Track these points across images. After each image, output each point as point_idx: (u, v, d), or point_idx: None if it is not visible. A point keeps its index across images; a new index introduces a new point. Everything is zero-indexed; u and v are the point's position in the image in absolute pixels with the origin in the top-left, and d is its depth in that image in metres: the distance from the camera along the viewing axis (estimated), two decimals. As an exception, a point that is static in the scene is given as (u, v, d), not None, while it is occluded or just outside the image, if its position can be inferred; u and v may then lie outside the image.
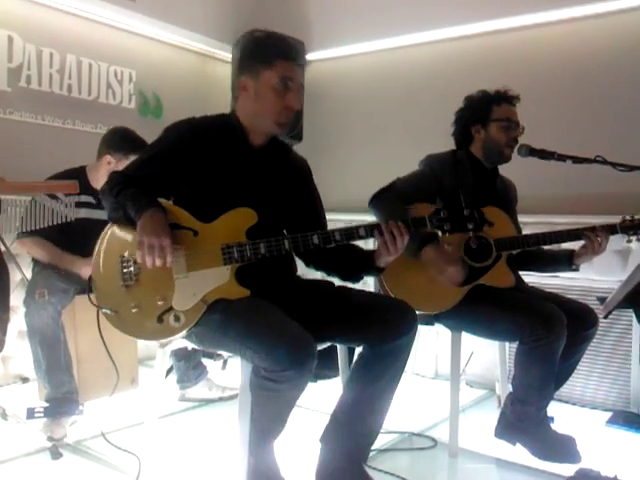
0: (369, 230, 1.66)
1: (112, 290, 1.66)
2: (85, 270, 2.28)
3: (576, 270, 2.22)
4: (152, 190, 1.67)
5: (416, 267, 2.07)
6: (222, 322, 1.58)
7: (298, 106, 1.70)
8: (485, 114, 2.21)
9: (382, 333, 1.62)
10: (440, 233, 1.67)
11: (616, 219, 2.16)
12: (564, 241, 2.18)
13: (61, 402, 2.22)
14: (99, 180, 2.48)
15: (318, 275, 1.90)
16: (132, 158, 2.28)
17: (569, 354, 2.06)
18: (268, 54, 1.69)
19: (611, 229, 2.13)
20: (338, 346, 1.90)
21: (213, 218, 1.67)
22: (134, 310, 1.63)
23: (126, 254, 1.66)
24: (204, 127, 1.74)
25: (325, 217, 1.93)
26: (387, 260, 1.69)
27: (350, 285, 1.81)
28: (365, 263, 1.76)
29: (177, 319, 1.60)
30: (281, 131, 1.75)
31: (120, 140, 2.50)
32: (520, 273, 2.32)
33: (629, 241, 2.16)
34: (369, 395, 1.68)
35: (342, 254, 1.79)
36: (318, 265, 1.88)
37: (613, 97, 2.97)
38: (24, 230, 2.35)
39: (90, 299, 1.67)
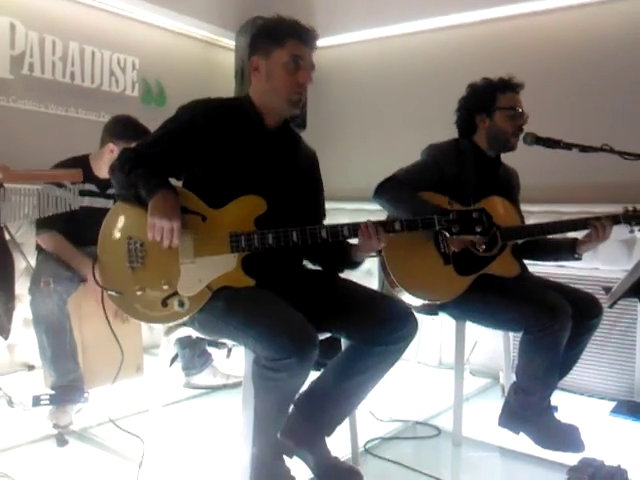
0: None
1: (118, 271, 1.65)
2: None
3: (579, 259, 2.21)
4: (163, 169, 1.65)
5: (421, 257, 2.07)
6: (225, 310, 1.58)
7: (309, 83, 1.70)
8: (490, 102, 2.19)
9: (379, 335, 1.61)
10: (447, 234, 1.66)
11: (621, 208, 2.15)
12: (569, 230, 2.17)
13: (66, 390, 2.23)
14: (102, 168, 2.48)
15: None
16: (134, 146, 2.28)
17: (573, 343, 2.06)
18: (279, 33, 1.69)
19: (614, 219, 2.12)
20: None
21: (224, 201, 1.65)
22: (139, 293, 1.62)
23: (133, 235, 1.65)
24: (219, 108, 1.73)
25: (325, 210, 1.93)
26: (365, 256, 1.75)
27: (355, 279, 1.80)
28: (344, 256, 1.79)
29: (181, 304, 1.59)
30: (293, 110, 1.74)
31: (122, 128, 2.49)
32: (525, 263, 2.31)
33: (631, 231, 2.16)
34: (348, 385, 1.68)
35: (326, 246, 1.77)
36: (304, 254, 1.87)
37: (617, 85, 2.94)
38: (36, 218, 2.34)
39: (95, 279, 1.66)
